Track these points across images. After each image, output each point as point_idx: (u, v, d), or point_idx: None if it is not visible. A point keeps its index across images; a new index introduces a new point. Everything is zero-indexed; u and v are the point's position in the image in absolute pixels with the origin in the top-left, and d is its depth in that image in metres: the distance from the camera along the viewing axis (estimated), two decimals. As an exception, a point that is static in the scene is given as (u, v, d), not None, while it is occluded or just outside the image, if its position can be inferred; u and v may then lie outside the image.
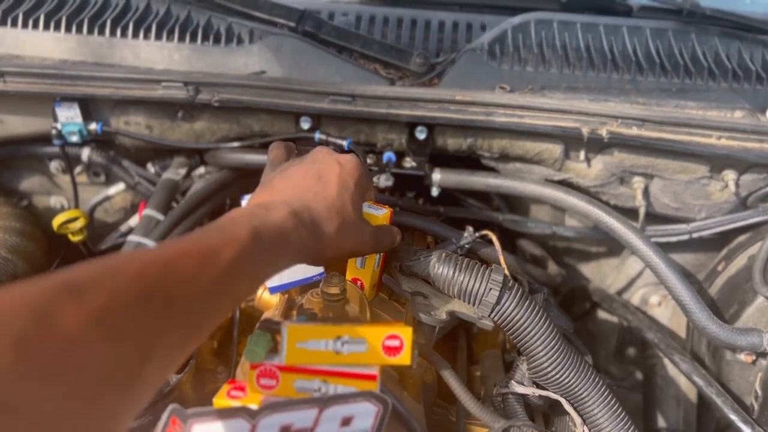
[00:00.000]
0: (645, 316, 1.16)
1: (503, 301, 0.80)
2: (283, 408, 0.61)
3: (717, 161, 0.99)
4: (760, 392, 0.94)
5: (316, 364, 0.64)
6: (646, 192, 1.05)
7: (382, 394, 0.62)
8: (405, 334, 0.66)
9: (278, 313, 0.80)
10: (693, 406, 1.17)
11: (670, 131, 0.95)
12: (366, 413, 0.62)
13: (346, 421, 0.62)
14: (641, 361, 1.26)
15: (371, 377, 0.64)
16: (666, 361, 1.19)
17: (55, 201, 1.25)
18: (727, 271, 1.05)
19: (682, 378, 1.17)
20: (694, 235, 1.05)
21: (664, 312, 1.21)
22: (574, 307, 1.29)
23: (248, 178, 1.10)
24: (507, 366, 0.98)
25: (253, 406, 0.61)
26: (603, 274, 1.27)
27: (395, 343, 0.66)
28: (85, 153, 1.14)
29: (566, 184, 1.05)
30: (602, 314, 1.31)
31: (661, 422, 1.16)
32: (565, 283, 1.28)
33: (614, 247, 1.23)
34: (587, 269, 1.29)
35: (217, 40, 1.06)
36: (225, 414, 0.60)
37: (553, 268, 1.17)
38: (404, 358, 0.66)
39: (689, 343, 1.12)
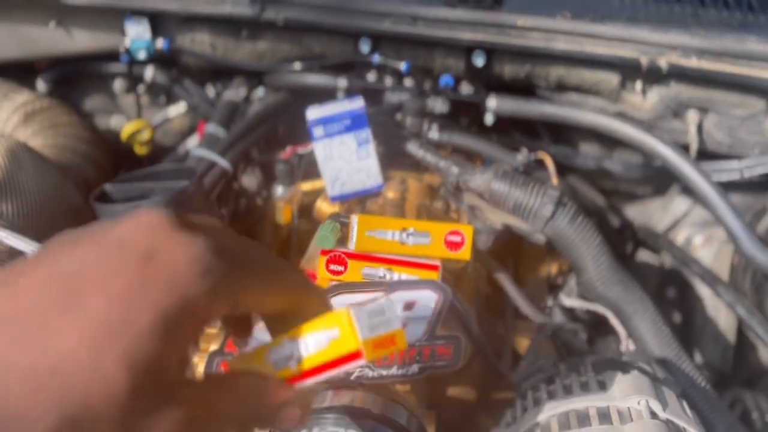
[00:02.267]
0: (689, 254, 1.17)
1: (557, 215, 0.83)
2: (351, 289, 0.64)
3: (776, 96, 0.99)
4: (803, 325, 0.96)
5: (382, 253, 0.68)
6: (699, 127, 1.05)
7: (442, 284, 0.65)
8: (467, 231, 0.69)
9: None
10: (731, 346, 1.18)
11: (730, 63, 0.95)
12: (427, 300, 0.65)
13: (409, 306, 0.65)
14: (681, 302, 1.27)
15: (434, 267, 0.67)
16: (706, 301, 1.21)
17: (116, 122, 1.30)
18: (776, 210, 1.06)
19: (721, 318, 1.19)
20: (746, 173, 1.05)
21: (707, 253, 1.22)
22: (616, 248, 1.31)
23: (306, 101, 1.13)
24: (551, 290, 1.01)
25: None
26: (648, 215, 1.28)
27: (457, 238, 0.69)
28: (149, 72, 1.18)
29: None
30: (643, 256, 1.32)
31: (699, 359, 1.18)
32: (610, 224, 1.29)
33: (661, 185, 1.23)
34: (632, 210, 1.30)
35: (281, -38, 1.08)
36: (298, 290, 0.64)
37: (599, 201, 1.19)
38: (464, 253, 0.70)
39: (732, 282, 1.13)
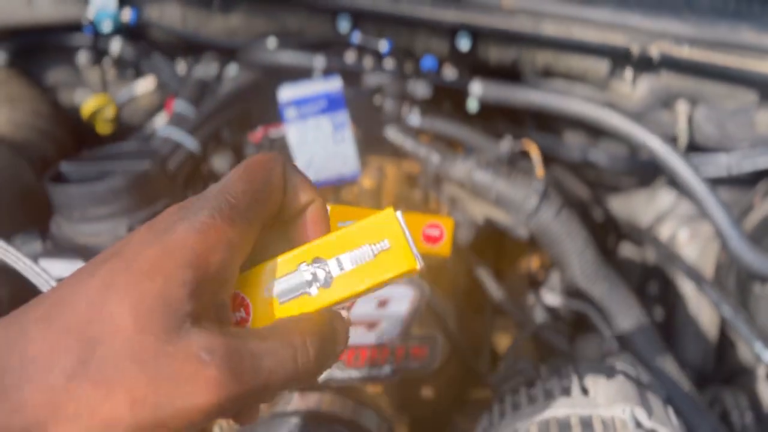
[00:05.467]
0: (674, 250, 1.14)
1: (541, 209, 0.79)
2: (320, 284, 0.60)
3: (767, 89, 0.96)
4: (788, 325, 0.93)
5: (355, 246, 0.63)
6: (689, 119, 1.01)
7: (419, 280, 0.61)
8: (446, 224, 0.65)
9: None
10: (712, 344, 1.16)
11: (722, 53, 0.92)
12: (402, 297, 0.61)
13: (383, 303, 0.61)
14: (663, 298, 1.25)
15: (410, 262, 0.63)
16: (688, 298, 1.18)
17: (80, 97, 1.23)
18: (763, 207, 1.03)
19: (703, 315, 1.16)
20: (734, 168, 1.02)
21: (692, 249, 1.19)
22: (599, 242, 1.28)
23: (281, 80, 1.08)
24: (533, 285, 0.97)
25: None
26: (632, 208, 1.25)
27: (436, 232, 0.65)
28: (116, 45, 1.11)
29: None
30: (625, 251, 1.29)
31: (680, 357, 1.16)
32: (593, 217, 1.26)
33: (646, 178, 1.20)
34: (616, 203, 1.27)
35: (257, -68, 1.02)
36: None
37: (582, 194, 1.15)
38: (444, 248, 0.65)
39: (716, 280, 1.11)
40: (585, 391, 0.61)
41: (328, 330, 0.35)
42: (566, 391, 0.61)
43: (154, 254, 0.31)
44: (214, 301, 0.32)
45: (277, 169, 0.37)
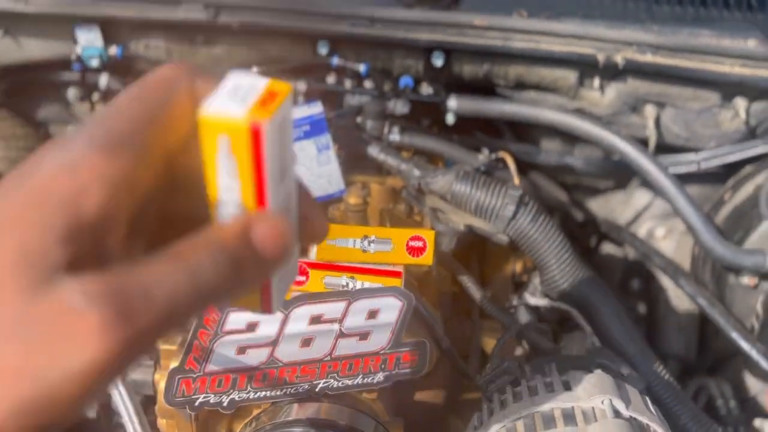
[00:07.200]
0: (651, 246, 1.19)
1: (519, 215, 0.83)
2: (314, 300, 0.64)
3: (729, 89, 1.01)
4: (761, 313, 0.98)
5: (344, 261, 0.67)
6: (657, 121, 1.06)
7: (406, 290, 0.65)
8: (428, 236, 0.69)
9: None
10: (694, 334, 1.21)
11: (684, 58, 0.97)
12: (391, 307, 0.65)
13: (373, 314, 0.65)
14: (645, 293, 1.29)
15: (397, 274, 0.67)
16: (669, 292, 1.23)
17: (72, 131, 1.26)
18: (733, 200, 1.08)
19: (684, 307, 1.21)
20: (703, 165, 1.07)
21: (669, 245, 1.24)
22: (580, 242, 1.33)
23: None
24: (516, 288, 1.02)
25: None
26: (610, 208, 1.30)
27: (419, 243, 0.69)
28: (103, 80, 1.15)
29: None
30: (607, 249, 1.34)
31: (663, 349, 1.20)
32: (573, 218, 1.31)
33: (622, 179, 1.25)
34: (595, 204, 1.31)
35: (235, -35, 1.06)
36: (259, 303, 0.63)
37: (562, 197, 1.20)
38: (426, 258, 0.70)
39: (693, 273, 1.15)
40: (567, 385, 0.65)
41: (236, 242, 0.29)
42: (549, 387, 0.65)
43: (17, 201, 0.26)
44: (98, 248, 0.27)
45: (181, 85, 0.30)
